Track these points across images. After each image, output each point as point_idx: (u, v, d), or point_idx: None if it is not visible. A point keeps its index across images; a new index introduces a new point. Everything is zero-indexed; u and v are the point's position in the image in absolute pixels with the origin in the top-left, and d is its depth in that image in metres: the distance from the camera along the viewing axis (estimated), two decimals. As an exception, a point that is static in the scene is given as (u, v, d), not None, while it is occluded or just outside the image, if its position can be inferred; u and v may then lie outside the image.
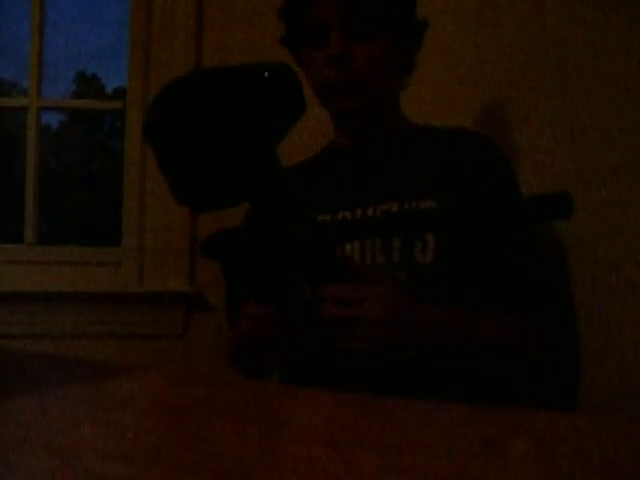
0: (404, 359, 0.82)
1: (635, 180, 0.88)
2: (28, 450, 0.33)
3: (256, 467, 0.30)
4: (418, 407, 0.45)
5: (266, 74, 0.66)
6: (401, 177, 1.02)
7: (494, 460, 0.32)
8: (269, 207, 0.73)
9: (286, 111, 0.68)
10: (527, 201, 0.89)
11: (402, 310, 0.82)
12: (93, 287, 1.82)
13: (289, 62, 1.13)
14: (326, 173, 1.10)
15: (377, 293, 0.80)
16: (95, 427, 0.38)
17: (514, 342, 0.91)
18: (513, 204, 0.92)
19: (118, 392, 0.51)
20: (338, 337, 0.80)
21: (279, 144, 0.70)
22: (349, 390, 0.49)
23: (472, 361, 0.88)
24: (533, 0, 1.14)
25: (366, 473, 0.30)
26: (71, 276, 1.83)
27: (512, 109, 1.19)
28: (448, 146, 1.03)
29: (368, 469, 0.30)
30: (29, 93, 1.92)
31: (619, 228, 0.91)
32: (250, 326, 0.85)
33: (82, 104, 2.33)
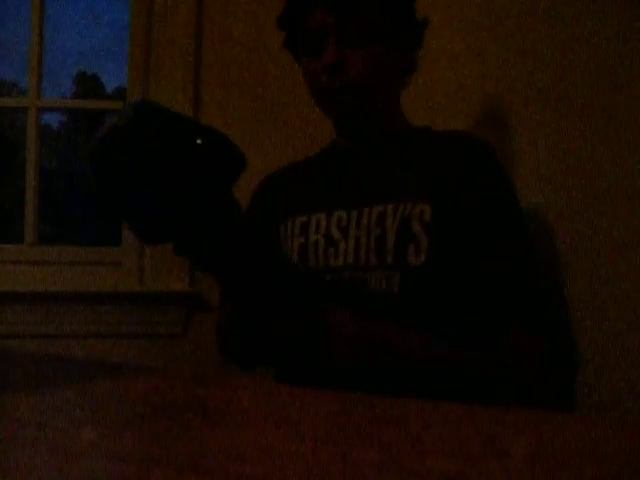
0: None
1: (634, 183, 0.88)
2: (28, 450, 0.33)
3: (256, 466, 0.30)
4: (418, 407, 0.45)
5: (199, 141, 0.71)
6: (397, 179, 1.02)
7: (494, 460, 0.32)
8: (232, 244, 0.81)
9: (223, 170, 0.75)
10: None
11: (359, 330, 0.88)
12: (93, 287, 1.82)
13: (291, 62, 1.14)
14: (324, 172, 1.11)
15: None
16: (95, 427, 0.38)
17: (474, 368, 0.92)
18: None
19: (118, 392, 0.51)
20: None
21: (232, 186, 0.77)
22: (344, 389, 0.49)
23: (435, 379, 0.89)
24: (533, 3, 1.14)
25: (366, 472, 0.30)
26: (71, 276, 1.83)
27: (511, 111, 1.19)
28: (446, 150, 1.03)
29: (368, 468, 0.30)
30: (29, 93, 1.92)
31: (617, 229, 0.91)
32: None
33: (82, 104, 2.33)
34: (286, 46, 1.12)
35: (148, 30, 1.85)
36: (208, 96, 1.86)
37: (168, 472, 0.29)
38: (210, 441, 0.35)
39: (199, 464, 0.31)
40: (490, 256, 0.95)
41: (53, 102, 2.10)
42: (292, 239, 1.04)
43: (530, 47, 1.13)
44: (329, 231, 1.01)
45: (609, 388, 0.92)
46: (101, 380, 0.55)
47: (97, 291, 1.81)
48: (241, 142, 0.73)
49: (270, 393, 0.52)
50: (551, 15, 1.08)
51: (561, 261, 1.03)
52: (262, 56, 1.85)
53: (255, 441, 0.35)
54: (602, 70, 0.94)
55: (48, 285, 1.80)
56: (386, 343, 0.89)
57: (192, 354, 1.79)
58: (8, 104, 2.08)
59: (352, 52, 1.00)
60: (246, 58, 1.87)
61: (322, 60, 1.01)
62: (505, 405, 0.44)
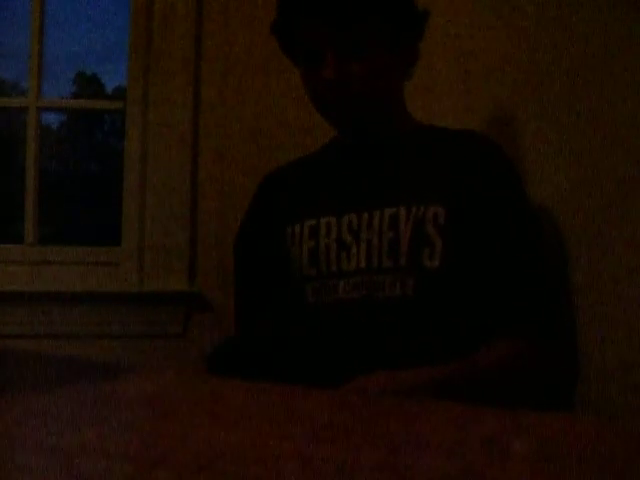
0: None
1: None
2: (28, 450, 0.33)
3: (256, 467, 0.30)
4: (418, 407, 0.45)
5: None
6: (408, 180, 1.00)
7: (494, 460, 0.32)
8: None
9: None
10: None
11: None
12: (93, 287, 1.82)
13: (288, 63, 1.13)
14: (330, 172, 1.09)
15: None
16: (95, 427, 0.38)
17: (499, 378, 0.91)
18: None
19: (118, 392, 0.50)
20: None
21: None
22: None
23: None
24: (545, 1, 1.13)
25: (366, 472, 0.30)
26: (71, 276, 1.83)
27: (521, 111, 1.18)
28: (456, 150, 1.01)
29: (368, 468, 0.30)
30: (29, 93, 1.92)
31: (624, 230, 0.91)
32: None
33: (82, 104, 2.33)
34: (282, 50, 1.09)
35: (148, 30, 1.85)
36: (208, 96, 1.85)
37: (168, 472, 0.29)
38: (210, 441, 0.35)
39: (199, 464, 0.30)
40: (503, 259, 0.95)
41: (53, 102, 2.10)
42: (301, 243, 1.03)
43: (542, 46, 1.12)
44: (340, 235, 1.00)
45: (609, 388, 0.92)
46: (101, 380, 0.55)
47: (97, 291, 1.81)
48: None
49: (270, 393, 0.52)
50: (560, 10, 1.07)
51: (569, 260, 1.02)
52: (262, 56, 1.84)
53: (255, 441, 0.35)
54: (617, 70, 0.94)
55: (48, 285, 1.80)
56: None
57: (192, 354, 1.79)
58: (8, 104, 2.08)
59: (353, 65, 0.97)
60: (246, 58, 1.87)
61: (321, 73, 0.97)
62: (505, 405, 0.44)
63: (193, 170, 1.83)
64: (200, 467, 0.30)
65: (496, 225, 0.96)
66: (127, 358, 1.74)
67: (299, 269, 1.02)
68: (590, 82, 0.98)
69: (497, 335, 0.92)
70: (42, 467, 0.30)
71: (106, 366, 0.64)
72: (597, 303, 0.96)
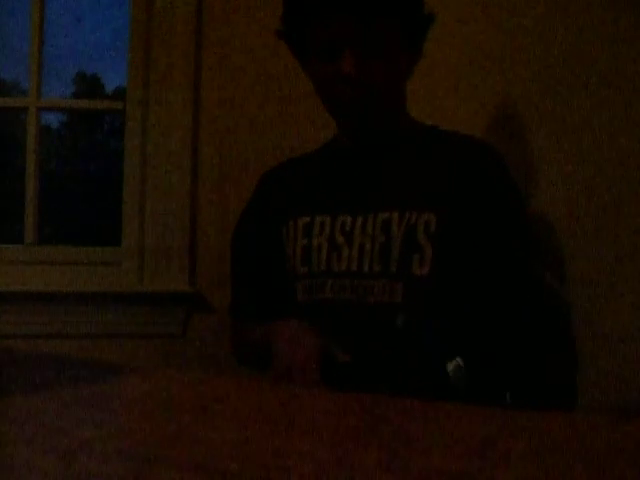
0: None
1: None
2: (28, 450, 0.33)
3: (256, 467, 0.30)
4: (418, 407, 0.45)
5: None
6: (403, 184, 1.00)
7: (494, 460, 0.32)
8: None
9: None
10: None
11: None
12: (93, 287, 1.82)
13: (291, 62, 1.12)
14: (328, 172, 1.09)
15: None
16: (95, 427, 0.38)
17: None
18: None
19: (118, 392, 0.50)
20: None
21: None
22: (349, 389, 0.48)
23: None
24: (551, 1, 1.12)
25: (366, 472, 0.30)
26: (71, 276, 1.83)
27: (526, 112, 1.17)
28: (454, 155, 1.01)
29: (368, 468, 0.30)
30: (29, 93, 1.92)
31: (629, 231, 0.91)
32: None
33: (82, 104, 2.32)
34: (280, 35, 1.06)
35: (148, 30, 1.85)
36: (208, 96, 1.86)
37: (168, 472, 0.29)
38: (210, 441, 0.35)
39: (199, 464, 0.30)
40: (498, 271, 0.95)
41: (53, 102, 2.10)
42: (295, 241, 1.03)
43: (547, 46, 1.11)
44: (333, 234, 1.00)
45: (609, 388, 0.92)
46: (101, 380, 0.55)
47: (97, 291, 1.81)
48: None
49: (270, 393, 0.52)
50: (571, 5, 1.06)
51: (565, 260, 1.02)
52: (262, 56, 1.84)
53: (255, 441, 0.35)
54: (625, 72, 0.93)
55: (48, 285, 1.80)
56: None
57: (192, 354, 1.79)
58: (8, 104, 2.08)
59: (371, 64, 0.96)
60: (246, 58, 1.87)
61: (339, 68, 0.96)
62: (505, 405, 0.44)
63: (193, 170, 1.83)
64: (200, 466, 0.30)
65: (489, 235, 0.96)
66: (127, 358, 1.74)
67: (292, 267, 1.03)
68: (603, 79, 0.97)
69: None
70: (41, 467, 0.30)
71: (106, 366, 0.64)
72: (597, 306, 0.95)
